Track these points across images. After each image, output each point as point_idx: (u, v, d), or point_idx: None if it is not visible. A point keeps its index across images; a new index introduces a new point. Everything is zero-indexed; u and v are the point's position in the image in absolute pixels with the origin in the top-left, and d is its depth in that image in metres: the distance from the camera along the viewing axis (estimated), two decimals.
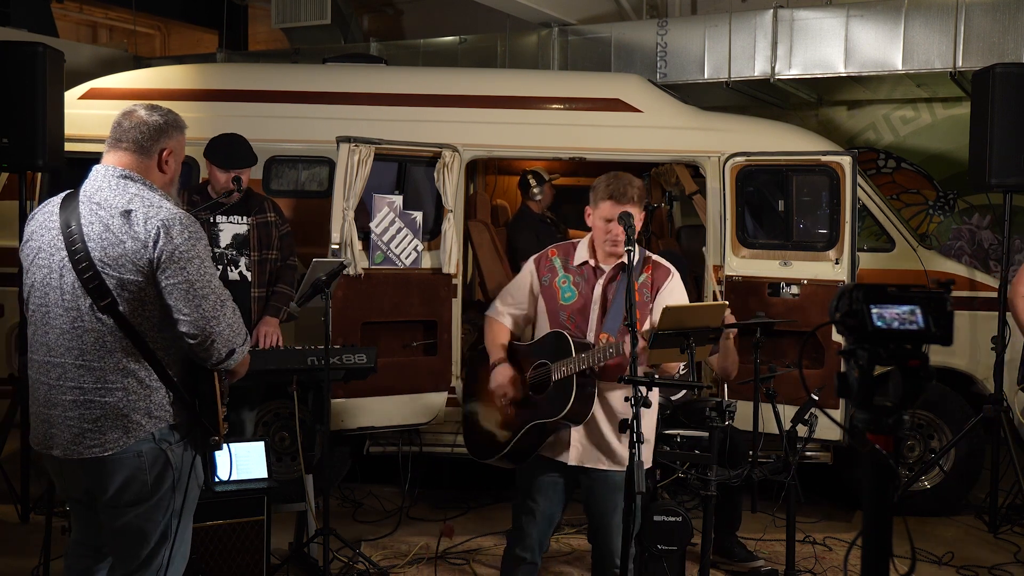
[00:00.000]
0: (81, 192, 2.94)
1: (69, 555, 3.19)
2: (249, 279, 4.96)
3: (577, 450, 3.53)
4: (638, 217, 3.50)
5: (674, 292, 3.62)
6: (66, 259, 2.85)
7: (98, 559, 3.16)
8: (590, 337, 3.51)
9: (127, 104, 3.09)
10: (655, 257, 3.68)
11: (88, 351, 2.85)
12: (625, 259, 3.35)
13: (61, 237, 2.87)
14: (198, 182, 5.40)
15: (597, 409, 3.50)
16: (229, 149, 4.93)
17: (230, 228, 4.93)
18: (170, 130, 2.99)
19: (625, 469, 3.34)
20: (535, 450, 3.57)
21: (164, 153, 2.97)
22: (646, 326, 3.52)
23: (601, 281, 3.57)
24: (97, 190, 2.90)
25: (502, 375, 3.60)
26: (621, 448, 3.49)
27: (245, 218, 4.97)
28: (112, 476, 2.88)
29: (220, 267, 4.88)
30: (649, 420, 3.61)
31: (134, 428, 2.85)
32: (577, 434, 3.52)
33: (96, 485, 2.92)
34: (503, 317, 3.73)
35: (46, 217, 2.97)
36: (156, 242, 2.79)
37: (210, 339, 2.83)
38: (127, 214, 2.83)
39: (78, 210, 2.88)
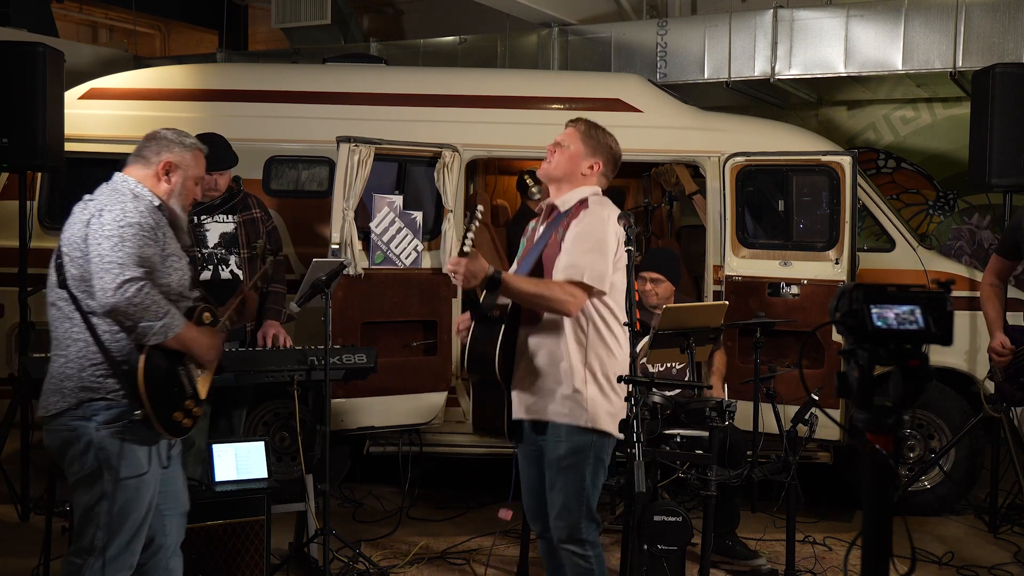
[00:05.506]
0: None
1: None
2: (241, 277, 4.95)
3: (514, 402, 3.34)
4: (570, 136, 3.39)
5: (577, 227, 3.26)
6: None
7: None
8: None
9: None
10: (592, 197, 3.37)
11: (54, 321, 3.19)
12: (627, 258, 3.28)
13: None
14: None
15: (522, 356, 3.31)
16: (211, 150, 4.91)
17: (217, 227, 4.91)
18: (172, 145, 3.26)
19: (565, 425, 3.23)
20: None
21: (162, 164, 3.25)
22: (557, 269, 3.24)
23: (541, 224, 3.46)
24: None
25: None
26: (547, 396, 3.26)
27: (231, 216, 4.96)
28: (52, 438, 3.17)
29: (211, 267, 4.87)
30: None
31: (68, 394, 3.11)
32: (516, 387, 3.34)
33: (49, 446, 3.21)
34: None
35: None
36: (89, 220, 3.09)
37: (112, 313, 3.01)
38: (88, 201, 3.17)
39: None
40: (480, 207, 3.29)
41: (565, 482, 3.29)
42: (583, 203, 3.35)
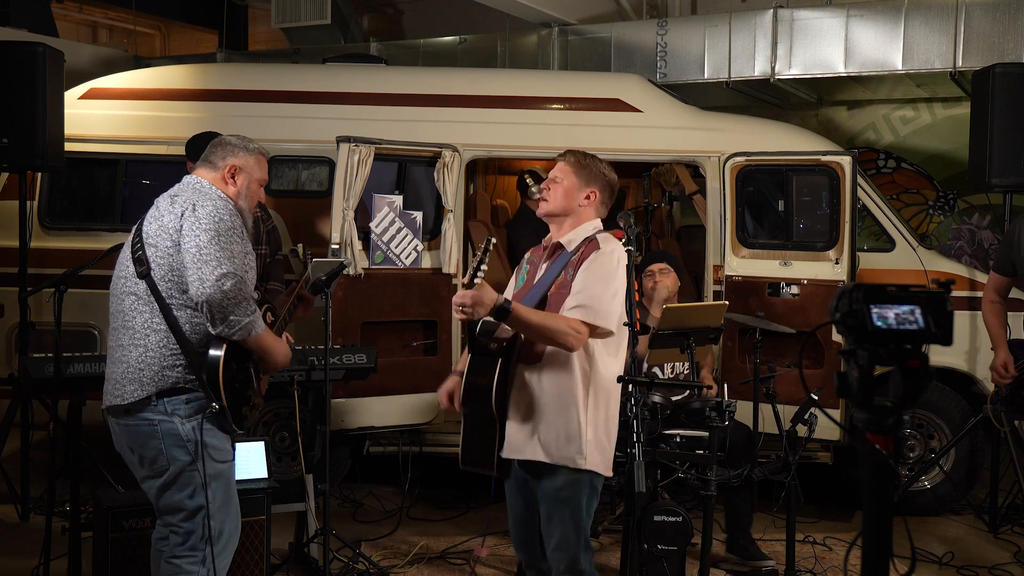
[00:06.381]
0: None
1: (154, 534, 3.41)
2: None
3: (506, 441, 3.29)
4: (562, 170, 3.39)
5: (588, 268, 3.24)
6: (131, 238, 3.30)
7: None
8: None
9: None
10: (599, 235, 3.36)
11: (127, 312, 3.23)
12: (626, 258, 3.29)
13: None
14: None
15: (518, 392, 3.27)
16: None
17: None
18: (236, 150, 3.39)
19: (558, 465, 3.19)
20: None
21: (228, 168, 3.36)
22: (566, 308, 3.19)
23: (544, 261, 3.44)
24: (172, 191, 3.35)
25: None
26: (544, 436, 3.21)
27: None
28: (130, 433, 3.21)
29: None
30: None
31: (147, 383, 3.16)
32: (510, 425, 3.30)
33: (121, 438, 3.26)
34: None
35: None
36: (183, 213, 3.16)
37: (206, 304, 3.06)
38: (175, 197, 3.26)
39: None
40: (493, 240, 3.25)
41: (563, 514, 3.24)
42: (591, 242, 3.32)
